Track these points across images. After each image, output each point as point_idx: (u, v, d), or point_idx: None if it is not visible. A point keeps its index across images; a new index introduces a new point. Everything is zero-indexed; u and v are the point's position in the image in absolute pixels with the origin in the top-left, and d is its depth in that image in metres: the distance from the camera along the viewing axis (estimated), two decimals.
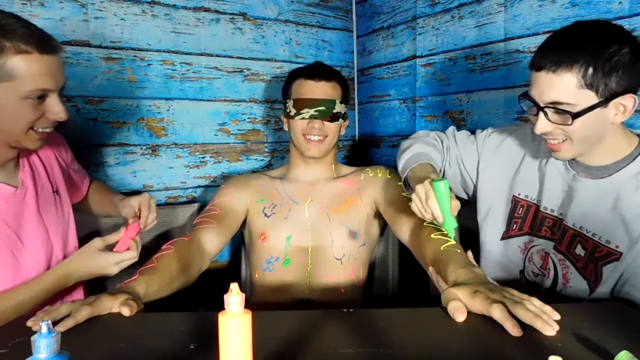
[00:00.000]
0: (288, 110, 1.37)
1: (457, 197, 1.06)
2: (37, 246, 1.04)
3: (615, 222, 0.97)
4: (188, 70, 1.66)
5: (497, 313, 0.73)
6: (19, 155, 1.05)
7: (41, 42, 0.90)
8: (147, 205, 1.16)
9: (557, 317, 0.72)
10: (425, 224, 1.12)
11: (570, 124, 0.93)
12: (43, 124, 0.96)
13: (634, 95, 0.92)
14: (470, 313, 0.77)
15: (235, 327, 0.53)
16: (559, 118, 0.94)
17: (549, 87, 0.93)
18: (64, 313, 0.78)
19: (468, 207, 1.21)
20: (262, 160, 1.86)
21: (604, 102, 0.91)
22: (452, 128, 1.32)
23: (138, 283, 0.94)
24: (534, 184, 1.13)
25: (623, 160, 0.98)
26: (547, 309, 0.74)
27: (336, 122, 1.35)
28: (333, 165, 1.44)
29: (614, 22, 1.19)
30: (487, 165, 1.22)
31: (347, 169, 1.46)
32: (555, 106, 0.93)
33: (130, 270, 1.05)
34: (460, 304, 0.78)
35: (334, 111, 1.34)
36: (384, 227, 1.43)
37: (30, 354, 0.50)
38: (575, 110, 0.92)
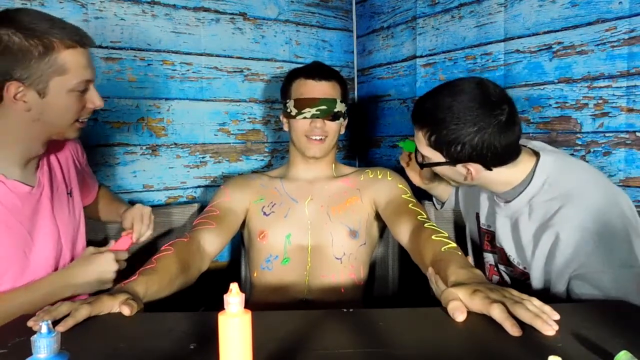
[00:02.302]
0: (289, 110, 1.37)
1: None
2: (49, 246, 1.04)
3: (518, 244, 1.05)
4: (188, 70, 1.66)
5: (496, 313, 0.73)
6: (40, 157, 1.06)
7: (81, 36, 0.96)
8: (139, 218, 1.17)
9: (557, 316, 0.72)
10: (425, 225, 1.13)
11: (422, 169, 1.14)
12: (85, 114, 1.02)
13: (478, 165, 1.00)
14: (470, 313, 0.77)
15: (235, 327, 0.53)
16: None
17: (415, 135, 1.08)
18: (64, 312, 0.78)
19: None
20: (262, 160, 1.86)
21: (451, 163, 1.02)
22: None
23: (137, 283, 0.94)
24: (477, 200, 1.23)
25: (520, 186, 1.04)
26: (547, 308, 0.74)
27: (337, 122, 1.35)
28: (333, 165, 1.44)
29: (613, 21, 1.20)
30: (462, 187, 1.35)
31: (347, 169, 1.46)
32: (417, 152, 1.09)
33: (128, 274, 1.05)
34: (460, 304, 0.78)
35: (335, 110, 1.34)
36: (383, 227, 1.43)
37: (30, 354, 0.50)
38: (426, 161, 1.07)
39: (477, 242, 1.27)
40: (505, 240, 1.09)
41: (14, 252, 0.97)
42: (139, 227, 1.16)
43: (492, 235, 1.16)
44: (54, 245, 1.05)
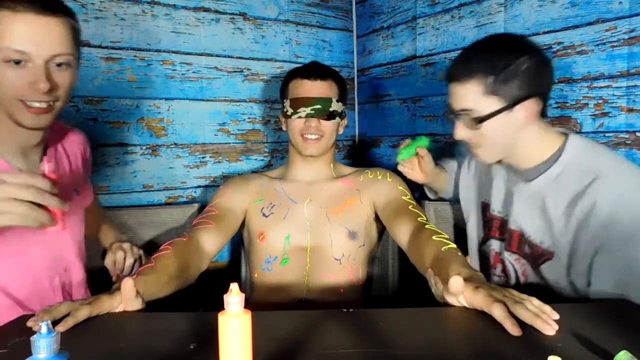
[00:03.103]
0: (285, 110, 1.37)
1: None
2: (51, 243, 1.02)
3: (544, 223, 1.03)
4: (188, 70, 1.66)
5: (498, 312, 0.73)
6: (46, 147, 1.03)
7: (35, 0, 0.83)
8: (120, 260, 1.14)
9: (556, 316, 0.72)
10: (426, 227, 1.12)
11: (478, 128, 1.02)
12: (31, 96, 0.86)
13: (538, 99, 0.99)
14: (470, 312, 0.78)
15: (235, 327, 0.53)
16: (470, 123, 1.03)
17: (458, 96, 1.03)
18: (64, 312, 0.78)
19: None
20: (262, 160, 1.86)
21: (509, 107, 0.99)
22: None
23: (136, 283, 0.93)
24: (487, 187, 1.22)
25: (546, 163, 1.03)
26: (547, 308, 0.74)
27: (333, 121, 1.35)
28: (332, 165, 1.43)
29: (613, 21, 1.20)
30: (462, 181, 1.34)
31: (346, 169, 1.46)
32: (465, 113, 1.03)
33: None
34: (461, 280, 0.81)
35: (330, 110, 1.34)
36: (382, 228, 1.43)
37: (30, 354, 0.50)
38: (481, 114, 1.01)
39: (479, 233, 1.26)
40: (526, 221, 1.07)
41: (14, 248, 0.95)
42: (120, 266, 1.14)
43: (501, 222, 1.15)
44: (56, 243, 1.03)
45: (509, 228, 1.12)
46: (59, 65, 0.89)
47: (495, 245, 1.18)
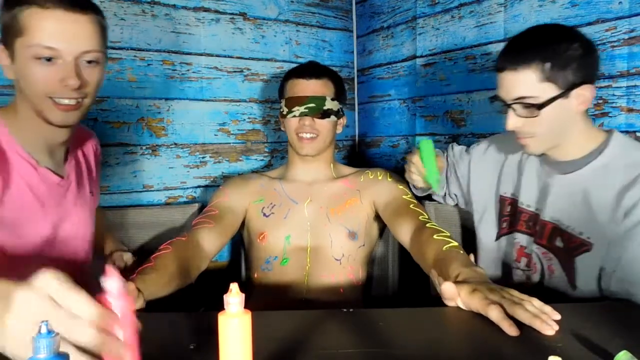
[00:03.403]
0: (282, 110, 1.37)
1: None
2: (65, 243, 1.02)
3: (586, 214, 1.03)
4: (188, 70, 1.66)
5: (494, 314, 0.73)
6: (68, 149, 1.03)
7: None
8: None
9: (558, 317, 0.72)
10: (427, 225, 1.12)
11: (536, 115, 1.01)
12: (60, 93, 0.87)
13: (591, 85, 1.00)
14: (470, 312, 0.78)
15: (235, 327, 0.53)
16: (526, 112, 1.02)
17: (513, 85, 1.01)
18: None
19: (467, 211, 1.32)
20: (262, 160, 1.86)
21: (565, 93, 0.99)
22: (452, 144, 1.41)
23: (136, 282, 0.93)
24: (513, 181, 1.20)
25: (589, 155, 1.04)
26: (547, 309, 0.74)
27: (328, 120, 1.35)
28: (332, 165, 1.43)
29: (613, 21, 1.20)
30: (476, 171, 1.30)
31: (346, 170, 1.46)
32: (521, 101, 1.01)
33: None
34: (451, 286, 0.81)
35: (324, 108, 1.33)
36: (383, 228, 1.43)
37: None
38: (538, 102, 0.99)
39: (496, 226, 1.24)
40: (565, 212, 1.07)
41: (31, 248, 0.94)
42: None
43: (530, 215, 1.15)
44: (71, 243, 1.04)
45: (542, 220, 1.11)
46: (88, 62, 0.89)
47: (521, 238, 1.16)
